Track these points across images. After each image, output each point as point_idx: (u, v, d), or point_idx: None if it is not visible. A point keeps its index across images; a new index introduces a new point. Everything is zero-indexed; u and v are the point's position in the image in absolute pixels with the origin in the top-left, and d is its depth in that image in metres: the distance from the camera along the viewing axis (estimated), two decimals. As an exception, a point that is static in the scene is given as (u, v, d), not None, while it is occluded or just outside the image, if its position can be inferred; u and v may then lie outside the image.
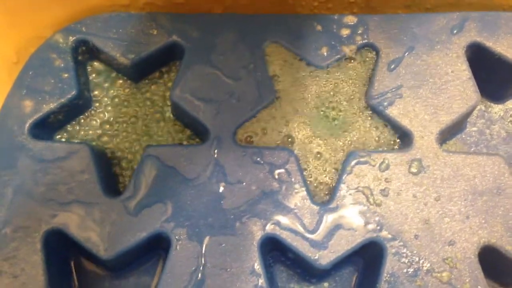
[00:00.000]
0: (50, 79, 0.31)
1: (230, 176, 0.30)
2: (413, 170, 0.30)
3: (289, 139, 0.32)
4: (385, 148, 0.31)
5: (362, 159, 0.30)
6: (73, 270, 0.30)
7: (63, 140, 0.32)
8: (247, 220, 0.29)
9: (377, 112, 0.31)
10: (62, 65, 0.31)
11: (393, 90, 0.31)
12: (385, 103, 0.31)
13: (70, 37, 0.32)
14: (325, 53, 0.32)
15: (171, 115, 0.33)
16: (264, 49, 0.32)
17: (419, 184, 0.29)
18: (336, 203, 0.29)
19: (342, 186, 0.30)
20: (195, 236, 0.29)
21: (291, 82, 0.32)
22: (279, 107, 0.32)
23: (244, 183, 0.30)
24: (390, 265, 0.28)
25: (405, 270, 0.28)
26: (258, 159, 0.30)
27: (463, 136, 0.33)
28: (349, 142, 0.32)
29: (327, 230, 0.29)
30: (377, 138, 0.31)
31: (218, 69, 0.32)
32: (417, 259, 0.28)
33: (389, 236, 0.28)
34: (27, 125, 0.30)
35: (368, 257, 0.30)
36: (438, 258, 0.28)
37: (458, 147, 0.33)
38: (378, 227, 0.29)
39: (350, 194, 0.29)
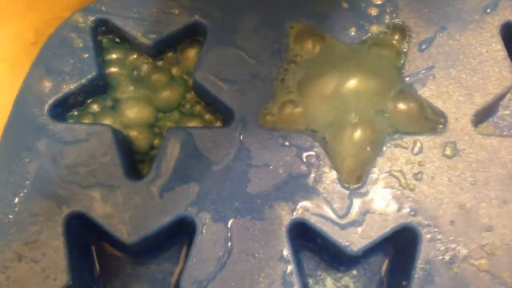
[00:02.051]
0: (69, 59, 0.31)
1: (256, 159, 0.30)
2: (448, 153, 0.29)
3: (316, 123, 0.31)
4: (418, 131, 0.31)
5: (394, 142, 0.30)
6: (95, 255, 0.29)
7: (82, 121, 0.31)
8: (274, 204, 0.29)
9: (409, 94, 0.31)
10: (82, 45, 0.31)
11: (425, 71, 0.31)
12: (417, 84, 0.31)
13: (90, 17, 0.31)
14: (353, 33, 0.32)
15: (194, 95, 0.33)
16: (289, 29, 0.32)
17: (454, 168, 0.29)
18: (367, 187, 0.29)
19: (374, 169, 0.29)
20: (221, 221, 0.28)
21: (317, 63, 0.32)
22: (305, 88, 0.32)
23: (271, 166, 0.29)
24: (425, 252, 0.28)
25: (441, 257, 0.27)
26: (285, 141, 0.30)
27: (495, 119, 0.33)
28: (382, 123, 0.31)
29: (358, 215, 0.28)
30: (411, 120, 0.31)
31: (242, 49, 0.31)
32: (453, 245, 0.28)
33: (424, 221, 0.28)
34: (47, 106, 0.30)
35: (400, 243, 0.29)
36: (475, 245, 0.28)
37: (490, 130, 0.33)
38: (412, 212, 0.28)
39: (382, 178, 0.29)
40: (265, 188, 0.29)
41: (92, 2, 0.32)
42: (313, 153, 0.30)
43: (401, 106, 0.31)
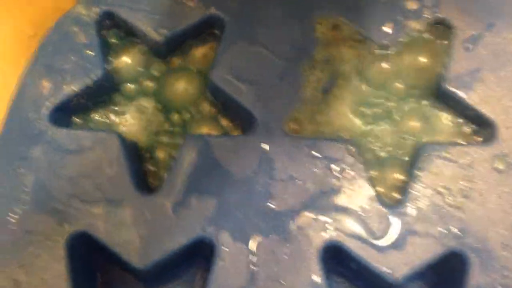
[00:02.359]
0: (71, 57, 0.27)
1: (282, 171, 0.26)
2: (499, 166, 0.26)
3: (346, 130, 0.28)
4: (464, 141, 0.28)
5: (437, 154, 0.26)
6: (101, 280, 0.26)
7: (86, 127, 0.28)
8: (302, 223, 0.26)
9: (453, 99, 0.27)
10: (85, 40, 0.28)
11: (471, 73, 0.27)
12: (462, 88, 0.27)
13: (94, 9, 0.28)
14: (389, 30, 0.28)
15: (211, 98, 0.29)
16: (317, 24, 0.29)
17: (506, 184, 0.26)
18: (408, 205, 0.26)
19: (415, 185, 0.26)
20: (243, 242, 0.25)
21: (350, 63, 0.29)
22: (336, 92, 0.28)
23: (298, 180, 0.26)
24: (475, 280, 0.25)
25: (493, 286, 0.25)
26: (314, 152, 0.27)
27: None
28: (420, 134, 0.28)
29: (399, 237, 0.25)
30: (453, 129, 0.28)
31: (264, 46, 0.28)
32: (506, 273, 0.25)
33: (473, 244, 0.25)
34: (46, 109, 0.27)
35: (444, 269, 0.26)
36: (532, 272, 0.25)
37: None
38: (460, 234, 0.25)
39: (424, 195, 0.26)
40: (292, 205, 0.26)
41: (97, -8, 0.29)
42: (346, 164, 0.26)
43: (444, 113, 0.28)
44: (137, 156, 0.28)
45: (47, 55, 0.27)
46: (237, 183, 0.26)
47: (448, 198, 0.26)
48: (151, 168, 0.28)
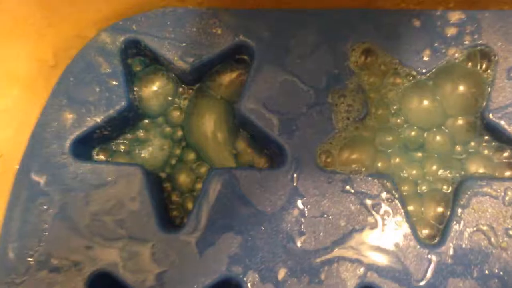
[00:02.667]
0: (95, 87, 0.27)
1: (313, 207, 0.25)
2: (548, 204, 0.25)
3: (382, 163, 0.27)
4: (510, 175, 0.26)
5: (480, 190, 0.25)
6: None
7: (109, 160, 0.28)
8: (336, 264, 0.24)
9: (496, 130, 0.26)
10: (109, 70, 0.27)
11: (516, 103, 0.26)
12: (505, 120, 0.26)
13: (119, 37, 0.27)
14: (427, 57, 0.27)
15: (240, 131, 0.28)
16: (351, 51, 0.27)
17: (556, 223, 0.24)
18: (449, 245, 0.24)
19: (456, 223, 0.25)
20: (271, 283, 0.24)
21: (385, 91, 0.28)
22: (369, 122, 0.27)
23: (331, 217, 0.25)
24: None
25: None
26: (348, 187, 0.26)
27: None
28: (461, 167, 0.27)
29: (440, 280, 0.24)
30: (497, 163, 0.27)
31: (295, 75, 0.27)
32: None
33: (521, 289, 0.24)
34: (68, 142, 0.26)
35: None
36: None
37: None
38: (505, 278, 0.24)
39: (467, 234, 0.25)
40: (324, 243, 0.25)
41: (122, 19, 0.28)
42: (382, 201, 0.25)
43: (487, 145, 0.27)
44: (160, 189, 0.27)
45: (70, 85, 0.27)
46: (264, 220, 0.25)
47: (492, 238, 0.24)
48: (177, 201, 0.28)
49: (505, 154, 0.26)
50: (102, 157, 0.28)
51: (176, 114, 0.29)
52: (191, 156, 0.28)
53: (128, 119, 0.28)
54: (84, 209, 0.25)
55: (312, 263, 0.24)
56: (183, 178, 0.28)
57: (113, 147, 0.28)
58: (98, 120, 0.26)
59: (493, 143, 0.27)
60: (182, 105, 0.29)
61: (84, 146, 0.27)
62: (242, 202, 0.25)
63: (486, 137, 0.27)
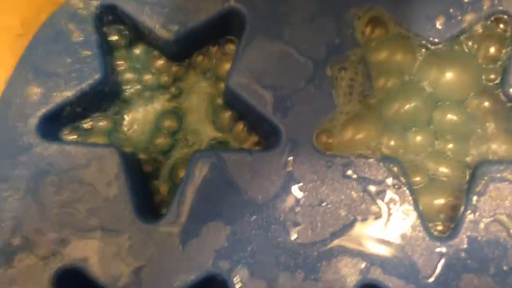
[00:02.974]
0: (66, 58, 0.24)
1: (310, 195, 0.23)
2: None
3: (387, 146, 0.24)
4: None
5: (499, 175, 0.22)
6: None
7: (82, 141, 0.25)
8: (335, 259, 0.22)
9: (517, 108, 0.24)
10: (82, 38, 0.24)
11: (541, 77, 0.24)
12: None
13: (93, 1, 0.25)
14: (441, 25, 0.24)
15: (224, 107, 0.26)
16: (355, 19, 0.25)
17: None
18: (462, 237, 0.22)
19: (470, 213, 0.22)
20: (262, 280, 0.22)
21: (393, 64, 0.25)
22: (375, 100, 0.24)
23: (330, 206, 0.23)
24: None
25: None
26: (350, 172, 0.23)
27: None
28: (477, 150, 0.24)
29: (451, 276, 0.22)
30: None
31: (292, 45, 0.24)
32: None
33: (544, 289, 0.21)
34: (35, 120, 0.23)
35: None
36: None
37: None
38: (526, 275, 0.21)
39: (482, 225, 0.22)
40: (322, 235, 0.22)
41: (97, -18, 0.26)
42: (388, 188, 0.23)
43: (507, 126, 0.24)
44: (140, 174, 0.25)
45: (37, 56, 0.24)
46: (255, 209, 0.23)
47: (511, 230, 0.22)
48: (158, 187, 0.25)
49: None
50: (74, 137, 0.25)
51: (157, 91, 0.26)
52: (176, 136, 0.26)
53: (104, 95, 0.25)
54: (52, 196, 0.22)
55: (308, 258, 0.22)
56: (167, 161, 0.25)
57: (88, 126, 0.25)
58: (69, 95, 0.24)
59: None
60: (166, 81, 0.26)
61: (53, 125, 0.24)
62: (230, 189, 0.23)
63: (506, 116, 0.24)
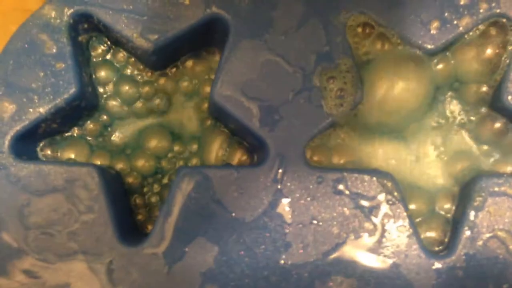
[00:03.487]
0: (38, 72, 0.23)
1: (300, 212, 0.22)
2: None
3: (381, 159, 0.24)
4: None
5: (497, 189, 0.22)
6: None
7: (59, 160, 0.24)
8: (327, 279, 0.22)
9: (515, 118, 0.23)
10: (55, 50, 0.23)
11: (540, 84, 0.23)
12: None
13: (66, 10, 0.23)
14: (436, 30, 0.24)
15: (214, 122, 0.25)
16: (345, 25, 0.24)
17: None
18: (459, 254, 0.22)
19: (468, 229, 0.22)
20: (252, 304, 0.21)
21: (385, 73, 0.24)
22: (367, 110, 0.24)
23: (321, 224, 0.22)
24: None
25: None
26: (341, 187, 0.22)
27: None
28: (472, 163, 0.24)
29: (448, 297, 0.21)
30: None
31: (279, 54, 0.23)
32: None
33: (546, 308, 0.21)
34: (8, 138, 0.22)
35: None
36: None
37: None
38: (526, 294, 0.21)
39: (480, 241, 0.22)
40: (313, 255, 0.22)
41: (70, -12, 0.24)
42: (381, 203, 0.22)
43: (505, 135, 0.24)
44: (122, 193, 0.24)
45: (8, 70, 0.23)
46: (244, 228, 0.22)
47: (511, 246, 0.22)
48: (142, 206, 0.24)
49: None
50: (51, 156, 0.24)
51: (138, 104, 0.25)
52: (159, 152, 0.25)
53: (81, 109, 0.24)
54: (28, 218, 0.22)
55: (300, 279, 0.21)
56: (150, 178, 0.25)
57: (65, 144, 0.24)
58: (43, 111, 0.23)
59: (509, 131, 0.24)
60: (147, 93, 0.25)
61: (27, 143, 0.23)
62: (216, 208, 0.22)
63: (504, 127, 0.23)
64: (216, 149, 0.25)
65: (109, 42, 0.25)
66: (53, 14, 0.24)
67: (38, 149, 0.24)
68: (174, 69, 0.25)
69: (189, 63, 0.25)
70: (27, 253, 0.21)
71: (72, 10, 0.24)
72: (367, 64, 0.23)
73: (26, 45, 0.23)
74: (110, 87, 0.25)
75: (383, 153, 0.24)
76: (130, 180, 0.25)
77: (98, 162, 0.24)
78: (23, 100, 0.23)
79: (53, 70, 0.23)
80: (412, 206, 0.23)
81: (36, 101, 0.23)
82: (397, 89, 0.23)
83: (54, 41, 0.23)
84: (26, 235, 0.21)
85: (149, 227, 0.25)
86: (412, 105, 0.23)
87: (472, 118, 0.24)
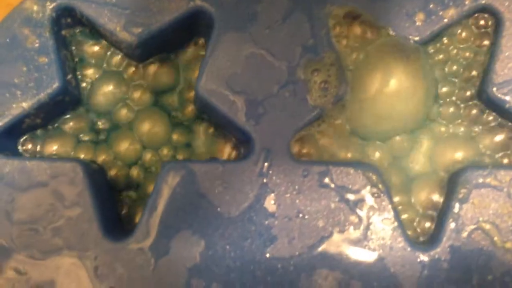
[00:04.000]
0: (21, 66, 0.23)
1: (286, 206, 0.22)
2: (560, 197, 0.22)
3: (367, 151, 0.24)
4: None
5: (481, 180, 0.22)
6: None
7: (43, 155, 0.24)
8: (313, 273, 0.22)
9: (499, 109, 0.23)
10: (38, 44, 0.23)
11: (524, 75, 0.23)
12: (511, 96, 0.23)
13: (49, 4, 0.23)
14: (421, 22, 0.24)
15: (198, 115, 0.25)
16: (330, 17, 0.24)
17: None
18: (443, 246, 0.22)
19: (452, 220, 0.22)
20: (238, 298, 0.22)
21: (370, 66, 0.24)
22: (352, 103, 0.24)
23: (307, 217, 0.22)
24: None
25: None
26: (327, 180, 0.23)
27: None
28: (457, 154, 0.24)
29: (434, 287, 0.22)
30: (501, 147, 0.24)
31: (264, 47, 0.23)
32: None
33: (528, 299, 0.21)
34: (-10, 134, 0.23)
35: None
36: None
37: None
38: (510, 284, 0.21)
39: (465, 233, 0.22)
40: (299, 249, 0.22)
41: (53, -19, 0.24)
42: (366, 196, 0.22)
43: (490, 125, 0.24)
44: (107, 187, 0.24)
45: (-10, 65, 0.23)
46: (229, 222, 0.22)
47: (495, 237, 0.22)
48: (127, 201, 0.25)
49: (508, 133, 0.24)
50: (34, 152, 0.24)
51: (124, 97, 0.25)
52: (145, 147, 0.25)
53: (65, 104, 0.24)
54: (12, 215, 0.22)
55: (287, 272, 0.22)
56: (136, 173, 0.25)
57: (48, 139, 0.24)
58: (26, 106, 0.23)
59: (497, 123, 0.24)
60: (132, 86, 0.25)
61: (10, 139, 0.23)
62: (202, 203, 0.22)
63: (488, 118, 0.24)
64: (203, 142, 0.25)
65: (92, 36, 0.25)
66: (35, 8, 0.24)
67: (19, 144, 0.24)
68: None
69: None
70: (12, 250, 0.22)
71: (54, 4, 0.24)
72: (356, 61, 0.24)
73: (8, 40, 0.23)
74: (93, 81, 0.25)
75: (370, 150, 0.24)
76: (113, 172, 0.25)
77: (82, 156, 0.24)
78: (6, 95, 0.23)
79: (36, 64, 0.23)
80: (396, 199, 0.23)
81: (19, 96, 0.23)
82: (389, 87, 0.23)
83: (37, 35, 0.23)
84: (11, 232, 0.22)
85: (135, 220, 0.25)
86: (407, 107, 0.24)
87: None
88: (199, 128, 0.25)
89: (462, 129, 0.24)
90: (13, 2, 0.24)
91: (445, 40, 0.24)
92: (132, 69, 0.25)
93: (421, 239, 0.23)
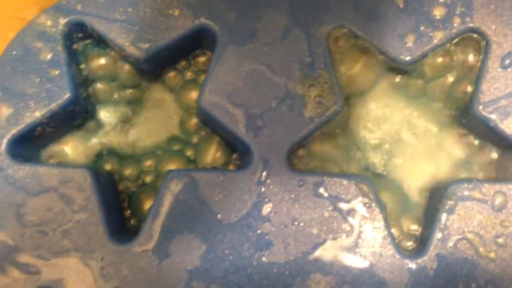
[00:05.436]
0: (34, 78, 0.25)
1: (282, 214, 0.24)
2: (540, 209, 0.24)
3: (358, 163, 0.26)
4: (501, 177, 0.26)
5: (467, 193, 0.24)
6: None
7: (54, 162, 0.26)
8: (307, 278, 0.24)
9: (487, 127, 0.25)
10: (50, 57, 0.25)
11: (509, 96, 0.25)
12: (497, 115, 0.25)
13: (61, 19, 0.26)
14: (411, 43, 0.26)
15: (200, 125, 0.27)
16: (326, 37, 0.26)
17: (549, 231, 0.24)
18: (430, 255, 0.24)
19: (439, 231, 0.24)
20: (236, 301, 0.24)
21: (364, 83, 0.27)
22: (348, 118, 0.26)
23: (302, 225, 0.24)
24: None
25: None
26: (321, 190, 0.25)
27: None
28: (446, 168, 0.26)
29: (420, 295, 0.24)
30: (487, 162, 0.26)
31: (264, 63, 0.26)
32: None
33: (510, 305, 0.23)
34: (4, 141, 0.25)
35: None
36: None
37: None
38: (493, 292, 0.23)
39: (451, 243, 0.24)
40: (294, 255, 0.24)
41: (65, -2, 0.27)
42: (358, 206, 0.25)
43: (474, 143, 0.26)
44: (114, 193, 0.26)
45: (5, 76, 0.25)
46: (228, 228, 0.24)
47: (479, 247, 0.24)
48: (132, 207, 0.27)
49: (494, 150, 0.26)
50: (47, 158, 0.26)
51: (131, 109, 0.27)
52: (150, 156, 0.27)
53: (76, 113, 0.26)
54: (23, 218, 0.24)
55: (282, 277, 0.24)
56: (138, 182, 0.27)
57: (61, 147, 0.27)
58: (39, 115, 0.25)
59: (484, 140, 0.26)
60: (139, 98, 0.28)
61: (23, 146, 0.25)
62: (203, 209, 0.24)
63: (475, 134, 0.26)
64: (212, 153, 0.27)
65: (102, 49, 0.27)
66: (48, 23, 0.26)
67: (34, 155, 0.26)
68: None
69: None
70: (23, 250, 0.24)
71: (67, 19, 0.26)
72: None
73: (22, 52, 0.26)
74: (104, 92, 0.27)
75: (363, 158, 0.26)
76: (126, 173, 0.27)
77: (93, 163, 0.27)
78: (20, 104, 0.25)
79: (48, 76, 0.25)
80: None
81: (32, 105, 0.25)
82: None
83: (49, 48, 0.26)
84: (22, 233, 0.24)
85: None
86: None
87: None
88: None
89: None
90: (28, 17, 0.26)
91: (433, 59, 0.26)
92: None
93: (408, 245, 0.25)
